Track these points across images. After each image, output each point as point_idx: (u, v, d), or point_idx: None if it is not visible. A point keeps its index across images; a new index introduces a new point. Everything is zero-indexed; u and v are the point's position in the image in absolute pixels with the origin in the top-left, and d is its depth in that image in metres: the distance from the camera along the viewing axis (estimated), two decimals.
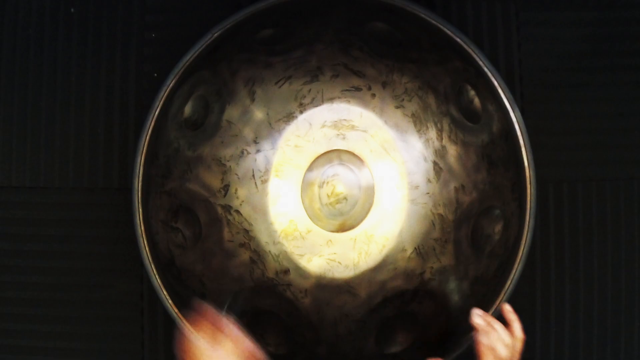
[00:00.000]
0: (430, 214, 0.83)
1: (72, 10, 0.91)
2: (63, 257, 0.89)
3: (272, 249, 0.83)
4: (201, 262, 0.82)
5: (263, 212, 0.84)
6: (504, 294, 0.74)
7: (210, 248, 0.82)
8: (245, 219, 0.83)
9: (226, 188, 0.82)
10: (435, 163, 0.83)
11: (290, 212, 0.84)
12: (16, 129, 0.90)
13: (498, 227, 0.79)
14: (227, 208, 0.82)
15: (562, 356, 0.87)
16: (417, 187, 0.83)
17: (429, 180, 0.83)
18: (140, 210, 0.77)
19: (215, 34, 0.76)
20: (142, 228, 0.76)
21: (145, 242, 0.79)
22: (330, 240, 0.84)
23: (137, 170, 0.77)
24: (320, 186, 0.84)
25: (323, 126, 0.85)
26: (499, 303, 0.74)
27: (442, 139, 0.83)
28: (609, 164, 0.88)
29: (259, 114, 0.84)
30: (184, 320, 0.75)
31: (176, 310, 0.79)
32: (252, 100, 0.84)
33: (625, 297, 0.88)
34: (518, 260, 0.74)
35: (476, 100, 0.80)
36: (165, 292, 0.77)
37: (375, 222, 0.84)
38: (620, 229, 0.88)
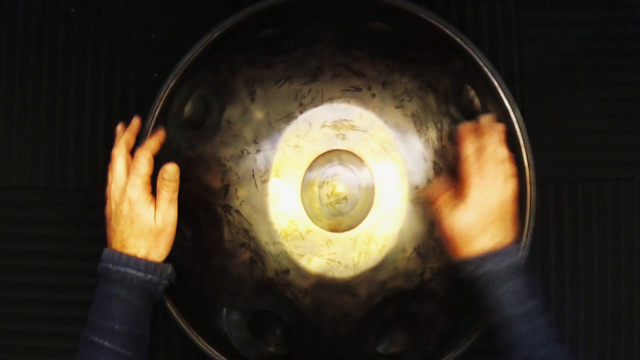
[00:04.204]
0: (430, 214, 0.83)
1: (72, 10, 0.91)
2: (63, 257, 0.89)
3: (272, 249, 0.83)
4: (201, 262, 0.82)
5: (263, 212, 0.84)
6: None
7: (210, 248, 0.82)
8: (245, 219, 0.83)
9: (226, 188, 0.82)
10: (435, 163, 0.83)
11: (290, 212, 0.84)
12: (16, 129, 0.90)
13: None
14: (227, 208, 0.82)
15: None
16: (417, 187, 0.83)
17: (429, 180, 0.83)
18: None
19: (215, 34, 0.76)
20: None
21: None
22: (330, 240, 0.84)
23: None
24: (320, 186, 0.84)
25: (323, 126, 0.85)
26: None
27: (442, 139, 0.83)
28: (610, 164, 0.88)
29: (259, 114, 0.84)
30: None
31: (175, 310, 0.79)
32: (252, 100, 0.84)
33: (625, 297, 0.88)
34: None
35: (476, 100, 0.80)
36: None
37: (375, 222, 0.84)
38: (620, 229, 0.88)
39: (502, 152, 0.74)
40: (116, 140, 0.76)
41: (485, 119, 0.77)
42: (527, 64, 0.89)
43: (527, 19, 0.89)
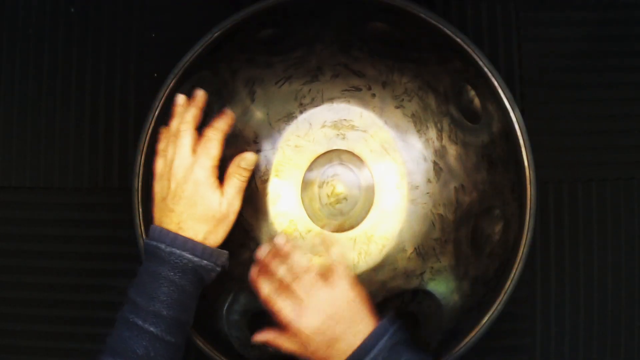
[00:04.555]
0: (430, 214, 0.83)
1: (72, 10, 0.91)
2: (63, 257, 0.89)
3: None
4: None
5: (263, 212, 0.84)
6: (504, 294, 0.74)
7: None
8: (245, 219, 0.83)
9: None
10: (435, 163, 0.83)
11: (290, 212, 0.84)
12: (16, 129, 0.90)
13: (498, 227, 0.79)
14: None
15: (562, 356, 0.87)
16: (417, 187, 0.83)
17: (429, 180, 0.83)
18: (140, 210, 0.76)
19: (215, 34, 0.76)
20: (142, 228, 0.76)
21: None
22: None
23: (137, 170, 0.77)
24: (320, 186, 0.84)
25: (323, 126, 0.85)
26: (499, 303, 0.74)
27: (442, 139, 0.83)
28: (609, 164, 0.88)
29: (259, 114, 0.84)
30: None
31: None
32: (252, 100, 0.84)
33: (625, 297, 0.88)
34: (518, 260, 0.74)
35: (476, 100, 0.80)
36: None
37: (375, 222, 0.84)
38: (620, 229, 0.88)
39: (301, 265, 0.70)
40: (177, 114, 0.72)
41: (280, 242, 0.72)
42: (527, 64, 0.89)
43: (527, 19, 0.89)
